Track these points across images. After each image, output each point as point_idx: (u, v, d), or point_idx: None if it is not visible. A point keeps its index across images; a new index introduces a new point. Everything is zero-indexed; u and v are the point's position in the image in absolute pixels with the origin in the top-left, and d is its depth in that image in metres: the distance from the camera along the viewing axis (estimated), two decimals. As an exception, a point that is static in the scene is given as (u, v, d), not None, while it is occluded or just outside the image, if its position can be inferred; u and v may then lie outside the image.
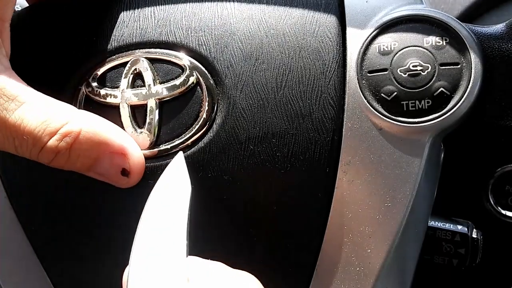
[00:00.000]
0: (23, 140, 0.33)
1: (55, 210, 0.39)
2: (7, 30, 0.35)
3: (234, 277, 0.31)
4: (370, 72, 0.36)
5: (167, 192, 0.33)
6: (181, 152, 0.36)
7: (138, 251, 0.30)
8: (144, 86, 0.37)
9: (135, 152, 0.36)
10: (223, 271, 0.31)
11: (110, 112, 0.37)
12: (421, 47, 0.35)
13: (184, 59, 0.37)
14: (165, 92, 0.37)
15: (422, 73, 0.35)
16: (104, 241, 0.39)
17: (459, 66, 0.35)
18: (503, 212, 0.50)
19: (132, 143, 0.36)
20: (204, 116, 0.36)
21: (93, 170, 0.35)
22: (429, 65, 0.35)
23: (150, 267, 0.29)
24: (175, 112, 0.37)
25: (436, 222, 0.42)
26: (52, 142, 0.33)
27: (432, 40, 0.35)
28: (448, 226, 0.42)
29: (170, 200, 0.33)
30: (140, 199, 0.37)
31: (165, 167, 0.36)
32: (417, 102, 0.35)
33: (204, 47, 0.37)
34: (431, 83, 0.35)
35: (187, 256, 0.30)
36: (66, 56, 0.39)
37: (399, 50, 0.35)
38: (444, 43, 0.35)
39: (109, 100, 0.37)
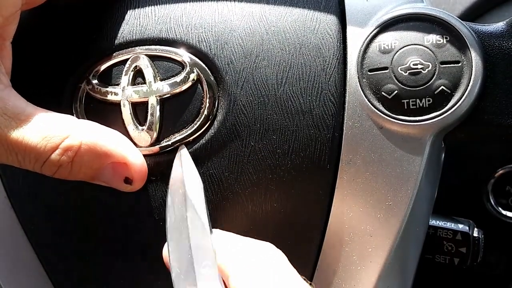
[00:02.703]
0: (25, 155, 0.33)
1: (56, 210, 0.39)
2: (8, 48, 0.36)
3: (256, 245, 0.33)
4: (370, 70, 0.36)
5: (182, 186, 0.35)
6: (183, 147, 0.36)
7: (171, 236, 0.34)
8: (144, 83, 0.37)
9: (137, 160, 0.36)
10: (244, 241, 0.34)
11: (111, 110, 0.37)
12: (422, 45, 0.35)
13: (184, 56, 0.37)
14: (166, 89, 0.37)
15: (423, 72, 0.35)
16: (105, 240, 0.39)
17: (459, 64, 0.35)
18: (504, 212, 0.50)
19: (134, 152, 0.36)
20: (205, 112, 0.36)
21: (96, 179, 0.36)
22: (429, 64, 0.35)
23: (184, 246, 0.33)
24: (176, 109, 0.37)
25: (437, 221, 0.42)
26: (54, 156, 0.33)
27: (432, 38, 0.35)
28: (449, 225, 0.42)
29: (187, 192, 0.35)
30: (142, 197, 0.37)
31: (167, 164, 0.36)
32: (417, 100, 0.35)
33: (205, 44, 0.37)
34: (431, 81, 0.35)
35: (211, 232, 0.34)
36: (66, 54, 0.39)
37: (400, 49, 0.35)
38: (445, 42, 0.35)
39: (110, 97, 0.37)
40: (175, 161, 0.36)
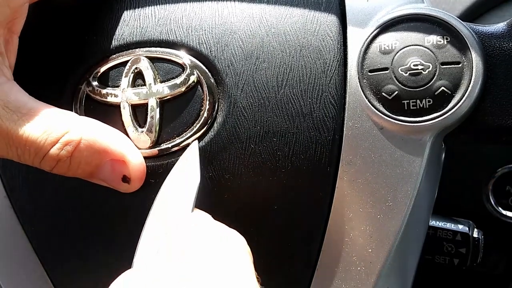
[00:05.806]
0: (25, 149, 0.33)
1: (55, 209, 0.39)
2: (15, 43, 0.36)
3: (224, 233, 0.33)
4: (371, 71, 0.36)
5: (177, 182, 0.35)
6: (195, 141, 0.36)
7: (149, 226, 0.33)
8: (144, 85, 0.37)
9: (136, 159, 0.36)
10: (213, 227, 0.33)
11: (111, 112, 0.37)
12: (422, 46, 0.35)
13: (184, 58, 0.37)
14: (166, 91, 0.37)
15: (423, 72, 0.35)
16: (105, 240, 0.39)
17: (460, 65, 0.35)
18: (504, 212, 0.51)
19: (133, 150, 0.36)
20: (205, 115, 0.36)
21: (94, 176, 0.36)
22: (430, 64, 0.35)
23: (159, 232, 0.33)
24: (176, 111, 0.37)
25: (437, 222, 0.42)
26: (54, 150, 0.33)
27: (433, 39, 0.35)
28: (449, 225, 0.42)
29: (179, 189, 0.34)
30: (141, 198, 0.37)
31: (166, 166, 0.36)
32: (418, 101, 0.35)
33: (205, 46, 0.37)
34: (432, 82, 0.35)
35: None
36: (66, 55, 0.39)
37: (400, 49, 0.35)
38: (445, 42, 0.35)
39: (109, 99, 0.37)
40: (181, 157, 0.36)
